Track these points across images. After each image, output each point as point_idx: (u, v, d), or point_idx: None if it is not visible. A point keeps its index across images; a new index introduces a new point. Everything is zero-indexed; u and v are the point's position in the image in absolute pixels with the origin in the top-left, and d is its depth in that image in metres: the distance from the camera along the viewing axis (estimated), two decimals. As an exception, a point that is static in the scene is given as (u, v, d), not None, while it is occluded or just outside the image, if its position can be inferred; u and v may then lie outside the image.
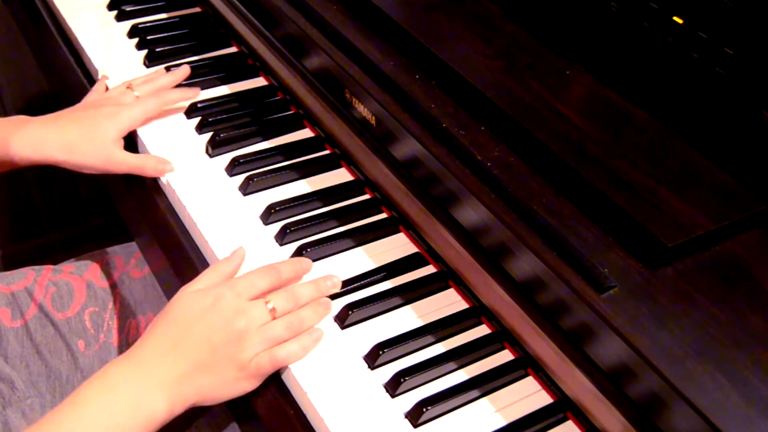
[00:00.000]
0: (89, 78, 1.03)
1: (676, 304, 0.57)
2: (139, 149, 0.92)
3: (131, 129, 0.90)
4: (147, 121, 0.92)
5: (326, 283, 0.74)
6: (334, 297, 0.75)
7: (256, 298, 0.71)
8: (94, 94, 0.96)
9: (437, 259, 0.78)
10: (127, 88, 0.93)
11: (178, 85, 0.97)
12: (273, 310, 0.70)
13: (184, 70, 0.97)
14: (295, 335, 0.70)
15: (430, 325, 0.72)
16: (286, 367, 0.69)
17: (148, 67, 1.02)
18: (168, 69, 1.00)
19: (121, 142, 0.88)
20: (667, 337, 0.55)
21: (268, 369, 0.69)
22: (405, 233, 0.82)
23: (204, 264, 0.80)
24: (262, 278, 0.72)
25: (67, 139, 0.86)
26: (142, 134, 0.91)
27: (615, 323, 0.56)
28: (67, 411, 0.64)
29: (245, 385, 0.69)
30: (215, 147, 0.90)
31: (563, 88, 0.74)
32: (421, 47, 0.77)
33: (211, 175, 0.87)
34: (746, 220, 0.63)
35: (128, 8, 1.11)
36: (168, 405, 0.66)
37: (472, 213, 0.67)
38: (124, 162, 0.87)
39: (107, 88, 0.97)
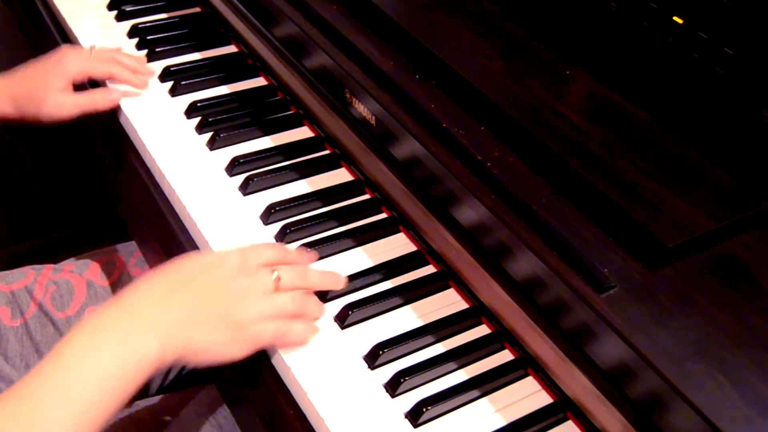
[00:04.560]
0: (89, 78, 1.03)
1: (676, 304, 0.57)
2: (138, 148, 0.92)
3: (74, 79, 0.94)
4: (90, 77, 0.96)
5: (335, 277, 0.74)
6: (334, 297, 0.75)
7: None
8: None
9: (437, 259, 0.78)
10: (89, 47, 0.97)
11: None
12: (278, 279, 0.69)
13: (146, 69, 0.99)
14: (297, 312, 0.69)
15: (430, 325, 0.72)
16: (285, 367, 0.69)
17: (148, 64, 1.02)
18: (168, 68, 1.00)
19: (70, 88, 0.93)
20: (667, 337, 0.55)
21: (269, 339, 0.68)
22: (405, 233, 0.82)
23: (204, 264, 0.80)
24: (269, 249, 0.72)
25: (13, 94, 0.92)
26: (142, 134, 0.91)
27: (615, 323, 0.56)
28: (51, 365, 0.59)
29: (234, 348, 0.67)
30: (215, 147, 0.90)
31: (563, 88, 0.74)
32: (421, 47, 0.77)
33: (211, 175, 0.87)
34: (746, 220, 0.63)
35: (128, 8, 1.11)
36: (159, 348, 0.62)
37: (472, 213, 0.67)
38: (74, 104, 0.93)
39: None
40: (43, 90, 0.92)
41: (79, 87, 0.96)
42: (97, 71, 0.96)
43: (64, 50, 0.96)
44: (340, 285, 0.74)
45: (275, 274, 0.69)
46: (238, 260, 0.69)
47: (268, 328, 0.67)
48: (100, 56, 0.97)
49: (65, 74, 0.93)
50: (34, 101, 0.92)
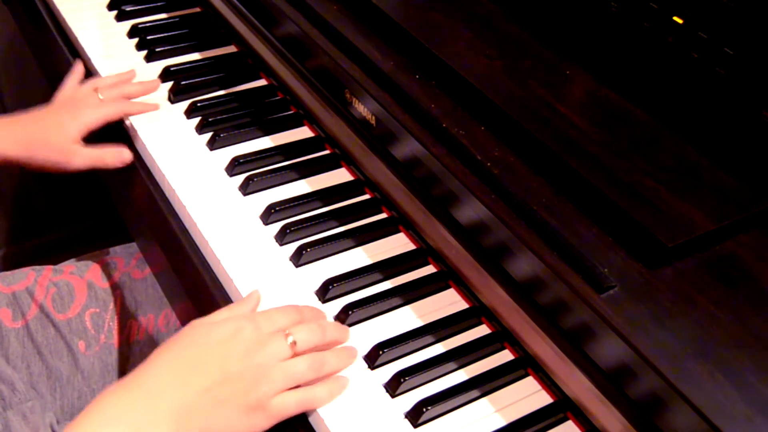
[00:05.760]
0: (89, 78, 1.03)
1: (676, 304, 0.57)
2: (138, 148, 0.92)
3: (90, 130, 0.92)
4: (106, 123, 0.93)
5: (348, 332, 0.71)
6: (334, 297, 0.75)
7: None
8: (64, 90, 0.97)
9: (437, 259, 0.78)
10: (94, 90, 0.94)
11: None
12: (294, 344, 0.65)
13: (155, 84, 0.98)
14: (317, 376, 0.66)
15: (430, 325, 0.72)
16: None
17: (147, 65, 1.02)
18: (168, 68, 1.00)
19: (81, 142, 0.91)
20: (667, 337, 0.55)
21: (293, 411, 0.65)
22: (405, 233, 0.82)
23: (204, 264, 0.80)
24: (283, 315, 0.68)
25: (26, 138, 0.89)
26: (142, 134, 0.91)
27: (615, 323, 0.56)
28: None
29: (257, 424, 0.63)
30: (215, 147, 0.90)
31: (563, 88, 0.74)
32: (421, 47, 0.77)
33: (211, 175, 0.87)
34: (746, 220, 0.63)
35: (128, 8, 1.11)
36: None
37: (472, 213, 0.67)
38: (85, 156, 0.91)
39: (84, 75, 0.99)
40: (59, 138, 0.89)
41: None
42: (111, 115, 0.93)
43: (77, 98, 0.94)
44: (349, 337, 0.71)
45: (290, 339, 0.66)
46: (253, 332, 0.65)
47: (290, 399, 0.64)
48: (108, 98, 0.94)
49: (81, 124, 0.91)
50: (47, 148, 0.89)
